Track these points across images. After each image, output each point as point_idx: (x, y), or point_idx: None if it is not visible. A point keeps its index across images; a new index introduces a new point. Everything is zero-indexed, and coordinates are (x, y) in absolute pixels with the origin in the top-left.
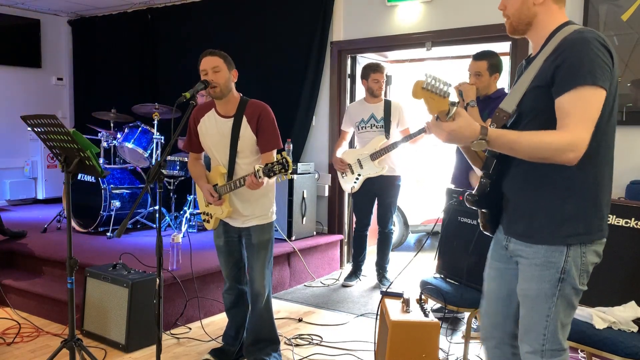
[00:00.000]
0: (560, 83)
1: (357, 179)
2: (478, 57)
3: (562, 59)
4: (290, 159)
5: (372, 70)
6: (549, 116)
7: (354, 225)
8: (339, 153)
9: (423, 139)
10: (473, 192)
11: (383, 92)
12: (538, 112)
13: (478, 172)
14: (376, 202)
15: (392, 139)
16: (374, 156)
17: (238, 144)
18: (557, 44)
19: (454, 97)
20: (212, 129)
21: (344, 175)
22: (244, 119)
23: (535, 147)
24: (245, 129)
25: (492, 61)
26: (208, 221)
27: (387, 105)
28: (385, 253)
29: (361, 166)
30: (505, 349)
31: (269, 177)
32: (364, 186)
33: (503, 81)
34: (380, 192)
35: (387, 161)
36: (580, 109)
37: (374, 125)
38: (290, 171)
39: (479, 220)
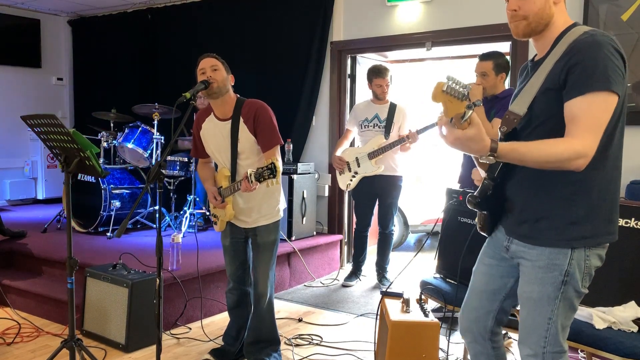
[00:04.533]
0: (572, 86)
1: (353, 176)
2: (484, 57)
3: (574, 61)
4: (279, 165)
5: (374, 75)
6: (561, 119)
7: (354, 226)
8: (339, 152)
9: (412, 149)
10: (475, 193)
11: (388, 95)
12: (550, 115)
13: (483, 173)
14: (377, 202)
15: (391, 140)
16: (372, 155)
17: (238, 146)
18: (569, 46)
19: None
20: (213, 133)
21: (341, 173)
22: (241, 120)
23: (544, 158)
24: (243, 130)
25: (497, 61)
26: (216, 223)
27: (392, 108)
28: (385, 254)
29: (358, 164)
30: (484, 344)
31: (260, 182)
32: (365, 186)
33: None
34: (381, 192)
35: (387, 161)
36: (590, 115)
37: (377, 125)
38: (277, 178)
39: (477, 221)
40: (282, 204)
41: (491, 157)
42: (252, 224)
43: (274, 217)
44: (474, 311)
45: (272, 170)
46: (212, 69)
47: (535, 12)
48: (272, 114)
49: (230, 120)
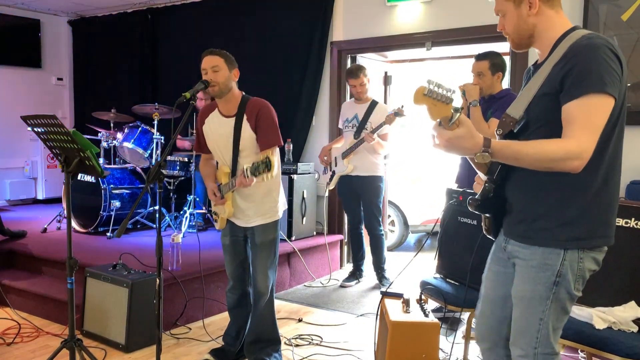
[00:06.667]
0: (568, 90)
1: (331, 176)
2: (480, 57)
3: (570, 65)
4: (273, 159)
5: (347, 76)
6: (557, 124)
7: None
8: (331, 147)
9: (385, 148)
10: (476, 196)
11: (367, 94)
12: (546, 120)
13: (482, 176)
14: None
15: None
16: (344, 155)
17: (240, 143)
18: (566, 50)
19: (458, 102)
20: (216, 130)
21: (324, 171)
22: (245, 118)
23: (539, 157)
24: (246, 128)
25: (493, 61)
26: (216, 220)
27: (372, 107)
28: (379, 255)
29: (336, 164)
30: (499, 352)
31: (255, 176)
32: (347, 186)
33: (505, 81)
34: (361, 192)
35: (365, 162)
36: (586, 117)
37: (355, 125)
38: (271, 172)
39: (482, 224)
40: (282, 204)
41: (486, 154)
42: (249, 222)
43: (272, 217)
44: (488, 319)
45: (267, 164)
46: (213, 70)
47: (511, 29)
48: (274, 115)
49: (234, 118)
